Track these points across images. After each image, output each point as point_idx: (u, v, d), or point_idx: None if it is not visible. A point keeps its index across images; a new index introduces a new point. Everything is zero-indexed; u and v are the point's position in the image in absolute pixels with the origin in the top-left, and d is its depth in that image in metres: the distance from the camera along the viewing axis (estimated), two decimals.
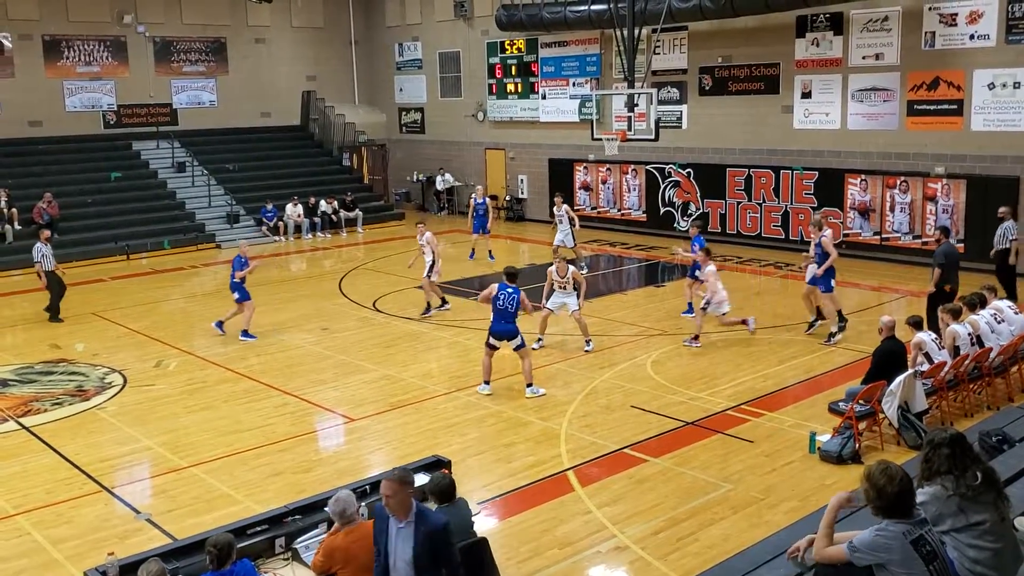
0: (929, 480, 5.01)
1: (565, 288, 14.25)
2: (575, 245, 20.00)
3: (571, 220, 20.15)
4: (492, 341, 12.07)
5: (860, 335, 14.22)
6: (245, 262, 15.42)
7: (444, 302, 16.77)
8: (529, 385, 12.06)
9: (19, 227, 23.36)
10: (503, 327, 11.99)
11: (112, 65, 28.05)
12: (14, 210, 23.45)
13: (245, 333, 15.35)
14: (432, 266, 16.37)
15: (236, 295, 15.39)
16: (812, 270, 14.39)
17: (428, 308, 16.53)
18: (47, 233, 18.00)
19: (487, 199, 22.80)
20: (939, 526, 4.92)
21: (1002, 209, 16.32)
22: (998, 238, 16.00)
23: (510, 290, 12.04)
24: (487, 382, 12.20)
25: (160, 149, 28.06)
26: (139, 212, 25.52)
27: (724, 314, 14.26)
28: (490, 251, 22.25)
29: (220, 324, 15.61)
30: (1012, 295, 15.19)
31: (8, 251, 22.73)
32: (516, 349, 12.11)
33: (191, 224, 25.73)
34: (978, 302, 11.45)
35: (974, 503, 4.88)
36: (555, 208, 20.42)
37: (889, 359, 10.24)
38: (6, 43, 26.26)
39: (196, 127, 29.23)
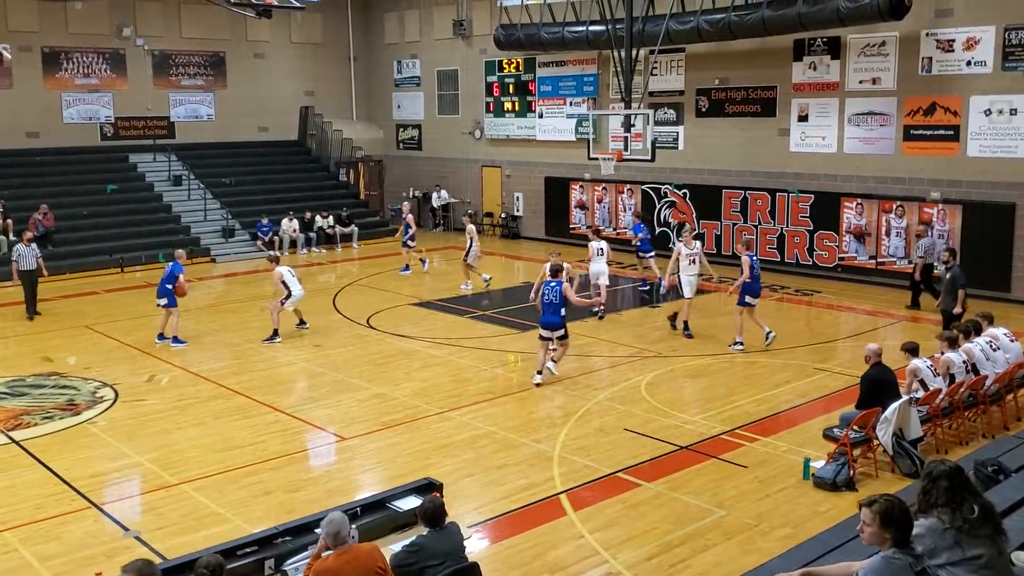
0: (926, 512, 4.98)
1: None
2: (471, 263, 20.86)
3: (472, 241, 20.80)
4: (543, 333, 13.33)
5: (856, 360, 14.16)
6: (178, 271, 15.87)
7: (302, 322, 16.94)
8: (554, 361, 13.48)
9: (13, 238, 23.23)
10: (549, 319, 13.26)
11: (110, 77, 28.06)
12: (9, 221, 23.37)
13: (176, 339, 15.83)
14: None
15: (164, 301, 15.81)
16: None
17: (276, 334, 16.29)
18: (29, 235, 19.10)
19: (408, 215, 23.05)
20: (934, 559, 4.88)
21: (919, 227, 18.92)
22: (919, 252, 18.17)
23: (553, 283, 13.28)
24: (539, 372, 13.27)
25: (157, 162, 28.04)
26: (134, 225, 25.46)
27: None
28: (408, 265, 22.91)
29: (162, 336, 15.99)
30: (917, 299, 18.02)
31: (1, 262, 22.61)
32: (560, 339, 13.40)
33: (186, 238, 25.66)
34: (972, 329, 11.44)
35: (971, 537, 4.85)
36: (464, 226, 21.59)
37: (877, 386, 10.19)
38: (5, 54, 26.26)
39: (193, 140, 29.25)
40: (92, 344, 16.30)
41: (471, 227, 21.07)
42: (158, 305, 16.03)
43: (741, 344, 15.03)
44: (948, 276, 14.43)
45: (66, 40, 27.17)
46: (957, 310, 14.02)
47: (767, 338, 15.07)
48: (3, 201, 23.67)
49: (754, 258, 15.38)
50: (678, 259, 16.26)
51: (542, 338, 13.35)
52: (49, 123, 27.02)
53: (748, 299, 15.06)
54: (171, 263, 16.19)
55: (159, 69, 28.93)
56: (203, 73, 29.83)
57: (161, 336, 15.99)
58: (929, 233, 18.71)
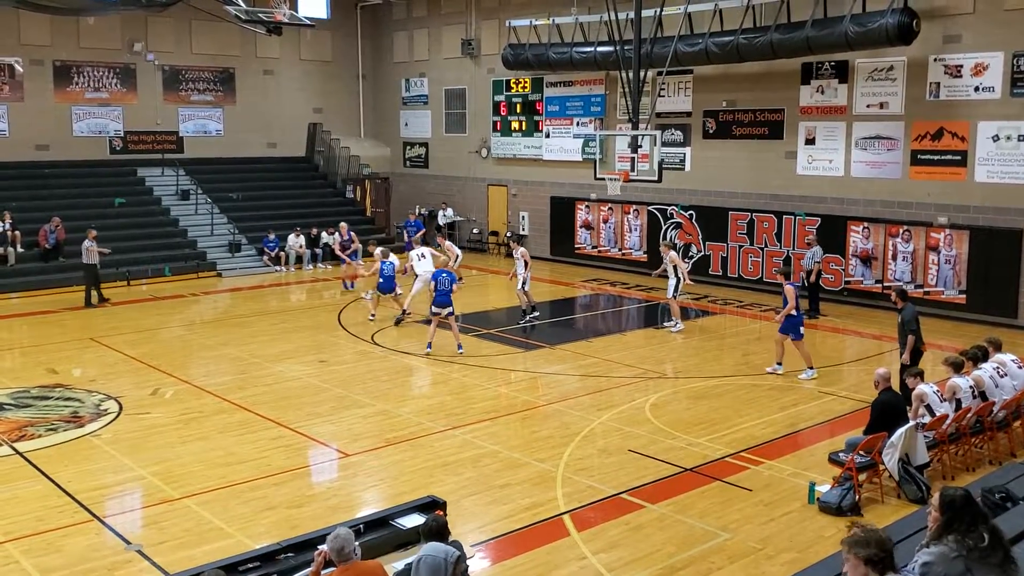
0: (936, 540, 4.93)
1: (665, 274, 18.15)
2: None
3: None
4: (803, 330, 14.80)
5: (861, 384, 14.16)
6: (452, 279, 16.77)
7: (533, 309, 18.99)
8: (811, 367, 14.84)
9: (21, 250, 23.33)
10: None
11: (120, 92, 28.20)
12: (17, 233, 23.44)
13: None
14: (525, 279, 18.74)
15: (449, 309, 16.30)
16: None
17: (525, 313, 18.78)
18: (93, 232, 20.96)
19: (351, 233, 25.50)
20: None
21: (809, 238, 20.25)
22: (807, 261, 19.50)
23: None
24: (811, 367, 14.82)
25: (165, 176, 28.13)
26: (141, 238, 25.50)
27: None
28: (349, 281, 23.57)
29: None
30: (816, 308, 19.27)
31: (9, 274, 22.70)
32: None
33: (192, 252, 25.74)
34: (980, 355, 11.38)
35: (981, 564, 4.80)
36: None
37: (887, 411, 10.14)
38: (17, 67, 26.43)
39: (202, 155, 29.36)
40: (97, 357, 16.31)
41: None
42: (438, 314, 16.22)
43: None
44: (899, 319, 13.12)
45: (77, 54, 27.34)
46: (904, 358, 12.72)
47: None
48: (10, 213, 23.68)
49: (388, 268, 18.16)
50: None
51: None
52: (59, 136, 27.14)
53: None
54: (445, 272, 16.76)
55: (169, 84, 29.08)
56: (212, 89, 29.97)
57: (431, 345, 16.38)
58: (816, 243, 19.83)
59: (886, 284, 20.19)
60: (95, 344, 17.18)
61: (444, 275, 16.40)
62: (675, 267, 18.06)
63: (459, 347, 16.15)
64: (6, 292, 21.98)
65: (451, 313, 16.19)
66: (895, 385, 10.90)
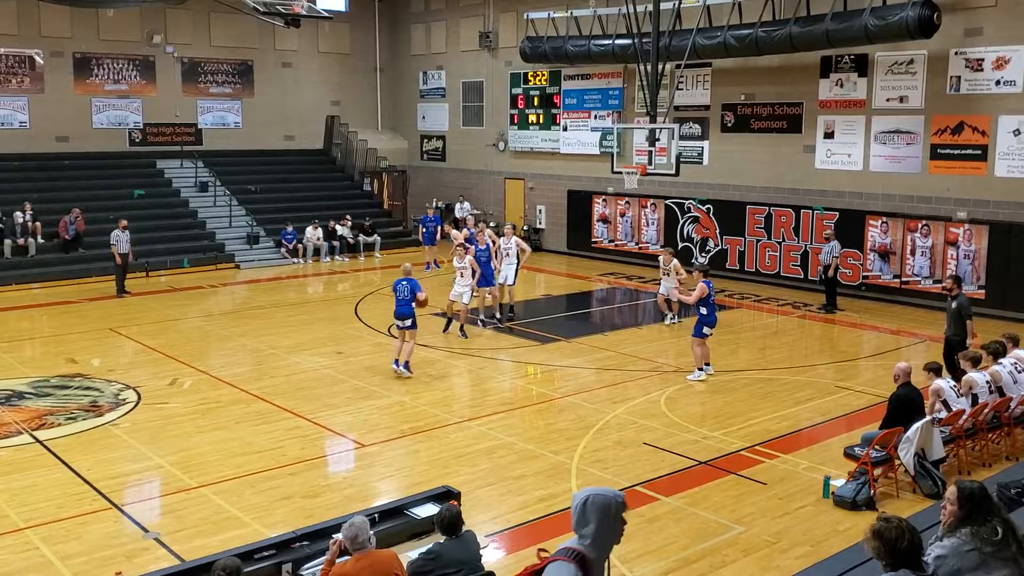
0: (950, 533, 4.92)
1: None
2: None
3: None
4: (708, 331, 14.25)
5: (878, 379, 14.11)
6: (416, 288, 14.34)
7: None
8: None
9: (42, 241, 23.53)
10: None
11: (140, 84, 28.36)
12: (37, 224, 23.62)
13: (406, 365, 14.39)
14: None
15: (408, 322, 14.28)
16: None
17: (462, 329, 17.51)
18: (124, 223, 21.38)
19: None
20: None
21: (827, 232, 20.18)
22: (824, 255, 19.60)
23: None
24: (708, 364, 14.34)
25: (184, 168, 28.29)
26: (160, 230, 25.65)
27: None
28: (435, 260, 24.80)
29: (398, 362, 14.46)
30: (833, 303, 19.45)
31: (29, 264, 22.90)
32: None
33: (211, 244, 25.88)
34: (999, 350, 11.31)
35: (995, 558, 4.78)
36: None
37: (905, 406, 10.10)
38: (38, 59, 26.62)
39: (220, 148, 29.49)
40: (116, 347, 16.45)
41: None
42: (400, 327, 14.37)
43: None
44: (954, 305, 13.28)
45: (97, 46, 27.50)
46: (970, 341, 13.00)
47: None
48: (31, 204, 23.86)
49: None
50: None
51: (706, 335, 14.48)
52: (79, 128, 27.33)
53: None
54: (406, 280, 14.28)
55: (188, 76, 29.22)
56: (231, 81, 30.10)
57: (399, 363, 14.38)
58: (833, 237, 19.75)
59: (904, 279, 20.12)
60: (114, 334, 17.31)
61: (404, 283, 14.17)
62: (676, 272, 18.02)
63: (396, 362, 14.29)
64: (26, 282, 22.19)
65: (411, 327, 14.20)
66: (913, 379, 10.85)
